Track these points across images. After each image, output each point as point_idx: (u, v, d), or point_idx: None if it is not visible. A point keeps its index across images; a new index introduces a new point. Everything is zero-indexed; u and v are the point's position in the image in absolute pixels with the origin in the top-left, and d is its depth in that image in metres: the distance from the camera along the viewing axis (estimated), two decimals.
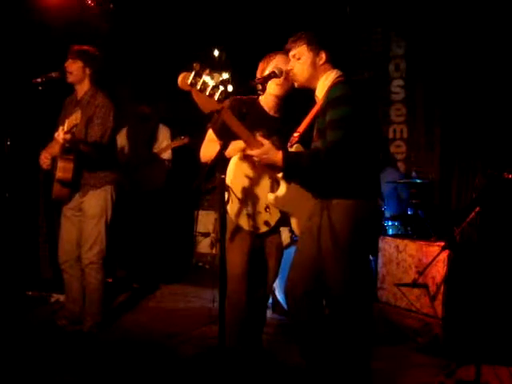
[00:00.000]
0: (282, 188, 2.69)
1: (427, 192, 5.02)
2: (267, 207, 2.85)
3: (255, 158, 2.53)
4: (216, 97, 2.35)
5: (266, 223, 2.86)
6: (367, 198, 2.54)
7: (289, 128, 2.87)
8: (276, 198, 2.71)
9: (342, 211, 2.49)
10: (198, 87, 2.32)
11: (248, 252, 2.86)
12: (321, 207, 2.55)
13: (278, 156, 2.47)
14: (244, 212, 2.78)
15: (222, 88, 2.35)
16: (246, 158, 2.75)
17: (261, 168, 2.70)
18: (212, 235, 2.96)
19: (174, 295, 5.17)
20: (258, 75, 2.94)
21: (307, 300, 2.62)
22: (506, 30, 4.75)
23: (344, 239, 2.48)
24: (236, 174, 2.78)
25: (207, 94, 2.34)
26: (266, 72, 2.86)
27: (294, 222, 2.83)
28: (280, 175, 2.67)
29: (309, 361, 2.70)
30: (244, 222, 2.81)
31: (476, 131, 4.96)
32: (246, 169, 2.80)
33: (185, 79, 2.33)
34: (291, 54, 2.68)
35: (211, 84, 2.33)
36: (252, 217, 2.80)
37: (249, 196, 2.79)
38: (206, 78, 2.32)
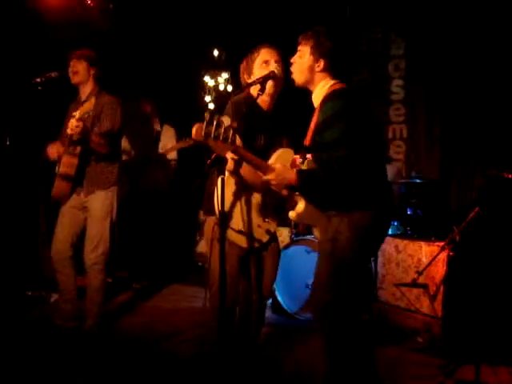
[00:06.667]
0: (301, 204, 2.66)
1: (427, 192, 5.02)
2: (265, 218, 2.86)
3: (272, 182, 2.52)
4: (229, 140, 2.35)
5: (268, 232, 2.86)
6: (373, 208, 2.50)
7: (280, 125, 2.94)
8: (297, 215, 2.68)
9: (348, 223, 2.47)
10: (212, 136, 2.32)
11: (239, 264, 2.85)
12: (332, 220, 2.54)
13: (291, 175, 2.48)
14: (245, 233, 2.76)
15: (232, 129, 2.35)
16: (232, 175, 2.73)
17: (275, 189, 2.65)
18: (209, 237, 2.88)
19: (174, 295, 5.18)
20: (243, 72, 2.98)
21: (328, 309, 2.58)
22: (505, 29, 4.75)
23: (343, 248, 2.46)
24: (228, 197, 2.72)
25: (221, 139, 2.33)
26: (256, 69, 2.90)
27: (316, 232, 2.83)
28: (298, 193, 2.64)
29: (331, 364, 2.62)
30: (245, 242, 2.79)
31: (476, 131, 4.96)
32: (238, 187, 2.77)
33: (199, 131, 2.31)
34: (298, 47, 2.68)
35: (223, 127, 2.33)
36: (253, 234, 2.78)
37: (246, 215, 2.77)
38: (216, 123, 2.31)
